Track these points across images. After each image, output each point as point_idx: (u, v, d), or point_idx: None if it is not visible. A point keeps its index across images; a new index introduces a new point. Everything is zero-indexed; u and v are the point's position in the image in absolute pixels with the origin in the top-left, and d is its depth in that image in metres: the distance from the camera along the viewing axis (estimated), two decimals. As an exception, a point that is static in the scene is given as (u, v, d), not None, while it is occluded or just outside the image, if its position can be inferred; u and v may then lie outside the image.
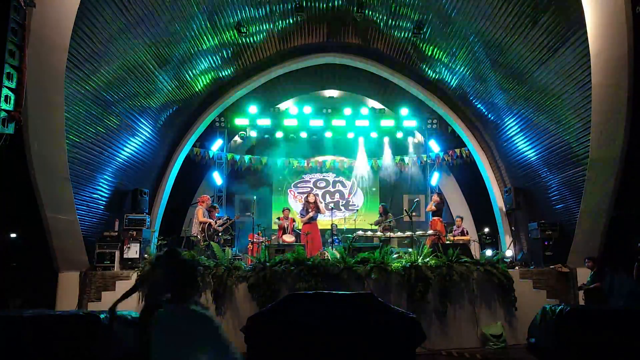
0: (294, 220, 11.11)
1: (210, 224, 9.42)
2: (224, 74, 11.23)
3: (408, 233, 10.27)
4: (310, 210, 9.94)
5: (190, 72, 10.19)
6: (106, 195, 9.17)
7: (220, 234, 9.78)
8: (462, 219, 11.15)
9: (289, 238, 10.24)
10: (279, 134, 13.54)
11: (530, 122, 9.51)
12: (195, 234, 9.57)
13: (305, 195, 10.65)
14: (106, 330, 4.55)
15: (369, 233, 10.45)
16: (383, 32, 10.76)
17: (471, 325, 7.18)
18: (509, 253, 10.14)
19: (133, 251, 8.85)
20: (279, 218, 11.15)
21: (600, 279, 7.61)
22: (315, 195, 11.15)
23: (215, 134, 13.09)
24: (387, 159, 13.84)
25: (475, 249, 10.70)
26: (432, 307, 7.13)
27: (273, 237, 10.88)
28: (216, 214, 10.28)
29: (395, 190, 14.46)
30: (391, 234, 9.90)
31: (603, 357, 4.88)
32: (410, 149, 14.15)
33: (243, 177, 13.83)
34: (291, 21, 10.40)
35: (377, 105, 13.66)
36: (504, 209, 11.59)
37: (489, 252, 8.90)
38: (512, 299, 7.30)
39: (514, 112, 9.88)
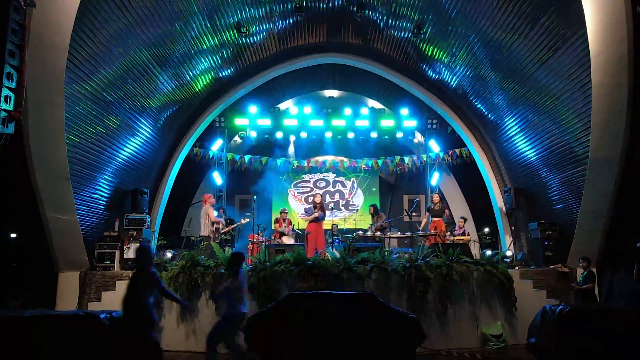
0: (290, 222, 11.10)
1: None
2: (224, 74, 11.22)
3: (408, 233, 10.28)
4: (316, 209, 9.92)
5: (190, 72, 10.19)
6: (106, 195, 9.17)
7: (222, 234, 9.79)
8: (465, 220, 11.13)
9: (288, 240, 10.24)
10: (279, 134, 13.53)
11: (530, 122, 9.50)
12: (207, 234, 9.45)
13: (313, 195, 10.61)
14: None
15: (369, 233, 10.45)
16: (383, 32, 10.75)
17: (471, 325, 7.18)
18: (509, 253, 10.12)
19: (133, 251, 8.83)
20: (276, 219, 11.13)
21: (593, 280, 7.61)
22: (321, 195, 11.15)
23: (215, 134, 13.08)
24: (387, 159, 13.82)
25: (475, 249, 10.69)
26: (432, 307, 7.12)
27: (273, 237, 10.87)
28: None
29: (395, 190, 14.46)
30: (387, 233, 9.85)
31: (603, 357, 4.87)
32: (410, 149, 14.13)
33: (243, 177, 13.82)
34: (291, 21, 10.40)
35: (377, 105, 13.66)
36: (504, 209, 11.58)
37: (488, 252, 8.88)
38: (512, 299, 7.29)
39: (514, 112, 9.87)
